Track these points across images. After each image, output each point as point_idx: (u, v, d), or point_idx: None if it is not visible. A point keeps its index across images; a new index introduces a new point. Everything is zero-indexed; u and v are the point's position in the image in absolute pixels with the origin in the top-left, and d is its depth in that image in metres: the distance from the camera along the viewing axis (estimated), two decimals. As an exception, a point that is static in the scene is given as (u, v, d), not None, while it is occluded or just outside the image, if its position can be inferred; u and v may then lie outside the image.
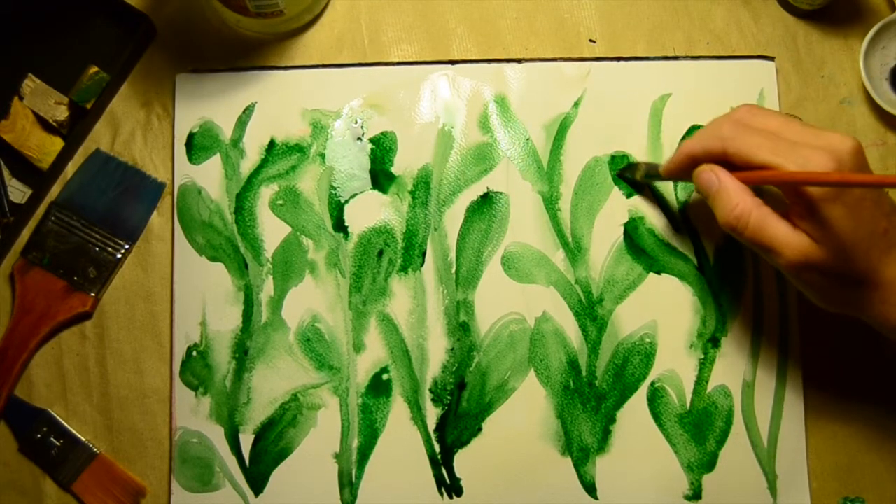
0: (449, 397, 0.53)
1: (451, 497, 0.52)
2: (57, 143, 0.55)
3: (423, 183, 0.54)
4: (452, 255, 0.54)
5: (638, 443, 0.52)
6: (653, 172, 0.51)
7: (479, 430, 0.52)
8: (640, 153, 0.54)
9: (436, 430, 0.52)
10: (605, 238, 0.53)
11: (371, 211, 0.54)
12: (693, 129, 0.54)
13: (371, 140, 0.55)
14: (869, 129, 0.55)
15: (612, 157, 0.54)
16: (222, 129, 0.55)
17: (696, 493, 0.52)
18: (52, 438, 0.53)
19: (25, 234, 0.55)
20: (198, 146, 0.55)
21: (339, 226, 0.54)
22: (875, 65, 0.55)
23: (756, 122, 0.44)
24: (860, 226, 0.41)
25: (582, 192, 0.54)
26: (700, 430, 0.52)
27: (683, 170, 0.46)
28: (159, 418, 0.53)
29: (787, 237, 0.42)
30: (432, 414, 0.52)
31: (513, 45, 0.56)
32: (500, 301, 0.53)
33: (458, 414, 0.52)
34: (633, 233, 0.54)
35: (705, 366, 0.53)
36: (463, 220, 0.54)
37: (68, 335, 0.54)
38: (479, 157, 0.54)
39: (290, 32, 0.56)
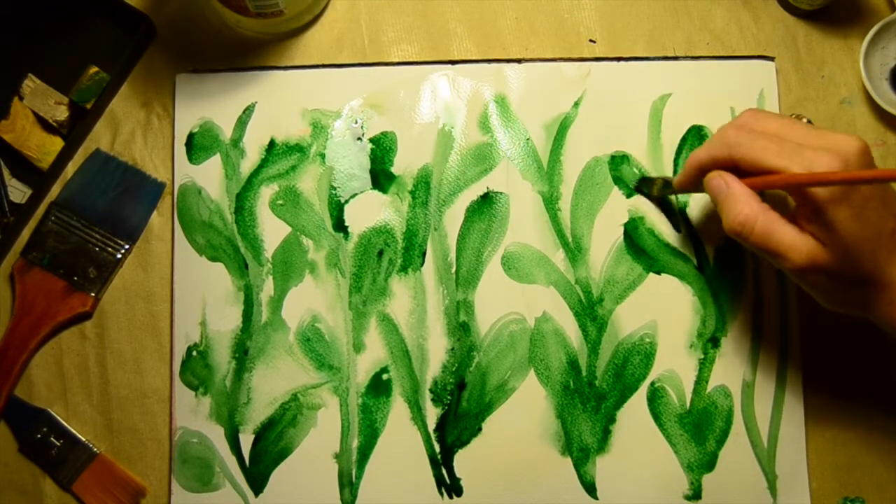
0: (449, 397, 0.53)
1: (451, 497, 0.52)
2: (57, 143, 0.55)
3: (423, 183, 0.54)
4: (452, 255, 0.54)
5: (638, 443, 0.52)
6: (668, 186, 0.51)
7: (479, 430, 0.52)
8: (640, 153, 0.54)
9: (436, 430, 0.52)
10: (605, 238, 0.53)
11: (371, 211, 0.54)
12: (693, 129, 0.54)
13: (371, 140, 0.55)
14: (869, 129, 0.55)
15: (612, 157, 0.54)
16: (222, 129, 0.55)
17: (696, 493, 0.52)
18: (52, 438, 0.53)
19: (25, 234, 0.55)
20: (198, 146, 0.55)
21: (340, 226, 0.54)
22: (875, 65, 0.55)
23: (760, 125, 0.44)
24: (867, 227, 0.41)
25: (582, 192, 0.54)
26: (700, 430, 0.52)
27: (694, 180, 0.46)
28: (159, 418, 0.53)
29: (793, 241, 0.42)
30: (432, 414, 0.52)
31: (513, 45, 0.56)
32: (500, 301, 0.53)
33: (458, 414, 0.52)
34: (633, 233, 0.54)
35: (705, 366, 0.53)
36: (463, 220, 0.54)
37: (68, 335, 0.54)
38: (479, 157, 0.54)
39: (290, 32, 0.56)
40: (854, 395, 0.52)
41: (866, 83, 0.53)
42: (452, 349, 0.53)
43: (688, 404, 0.52)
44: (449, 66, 0.56)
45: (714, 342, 0.53)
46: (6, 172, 0.55)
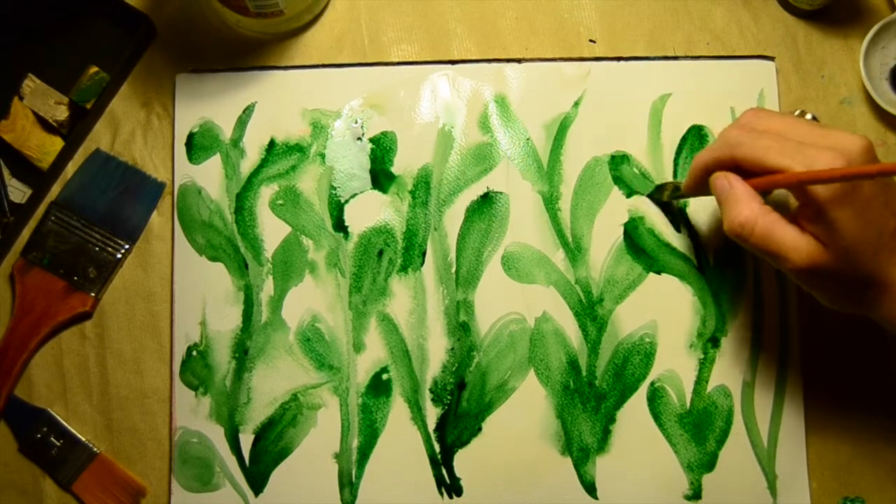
0: (449, 397, 0.53)
1: (451, 497, 0.52)
2: (57, 143, 0.55)
3: (423, 183, 0.54)
4: (452, 254, 0.54)
5: (638, 443, 0.52)
6: (678, 190, 0.51)
7: (479, 429, 0.52)
8: (640, 153, 0.54)
9: (436, 430, 0.52)
10: (605, 238, 0.53)
11: (371, 211, 0.54)
12: (693, 129, 0.54)
13: (371, 140, 0.55)
14: (869, 129, 0.55)
15: (612, 157, 0.54)
16: (222, 129, 0.55)
17: (696, 493, 0.52)
18: (52, 438, 0.53)
19: (25, 234, 0.55)
20: (198, 146, 0.55)
21: (339, 226, 0.54)
22: (875, 65, 0.55)
23: (762, 124, 0.44)
24: (868, 227, 0.41)
25: (582, 191, 0.54)
26: (700, 430, 0.52)
27: (701, 182, 0.46)
28: (159, 418, 0.53)
29: (793, 242, 0.42)
30: (432, 414, 0.52)
31: (513, 45, 0.56)
32: (500, 301, 0.53)
33: (458, 414, 0.52)
34: (633, 233, 0.54)
35: (705, 366, 0.53)
36: (463, 219, 0.54)
37: (68, 335, 0.54)
38: (479, 156, 0.54)
39: (290, 32, 0.56)
40: (854, 395, 0.52)
41: (866, 83, 0.53)
42: (452, 349, 0.53)
43: (688, 404, 0.52)
44: (449, 66, 0.56)
45: (714, 342, 0.53)
46: (6, 172, 0.55)
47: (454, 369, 0.53)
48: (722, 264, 0.53)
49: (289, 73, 0.56)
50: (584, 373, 0.52)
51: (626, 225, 0.54)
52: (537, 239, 0.54)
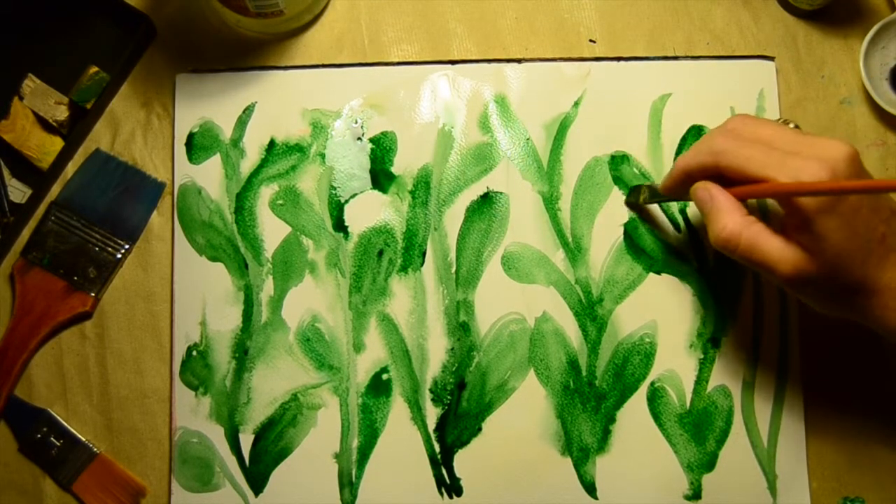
0: (449, 397, 0.53)
1: (451, 497, 0.52)
2: (57, 143, 0.55)
3: (423, 183, 0.54)
4: (452, 254, 0.54)
5: (638, 443, 0.52)
6: (655, 193, 0.51)
7: (479, 429, 0.52)
8: (640, 153, 0.54)
9: (436, 430, 0.52)
10: (605, 238, 0.53)
11: (371, 211, 0.54)
12: (693, 129, 0.54)
13: (371, 140, 0.55)
14: (869, 129, 0.55)
15: (612, 157, 0.54)
16: (222, 129, 0.55)
17: (696, 493, 0.52)
18: (52, 438, 0.53)
19: (25, 234, 0.55)
20: (198, 146, 0.55)
21: (339, 226, 0.54)
22: (875, 65, 0.55)
23: (748, 132, 0.43)
24: (856, 235, 0.41)
25: (582, 192, 0.54)
26: (700, 429, 0.52)
27: (681, 185, 0.46)
28: (159, 418, 0.53)
29: (780, 253, 0.41)
30: (432, 414, 0.52)
31: (513, 45, 0.56)
32: (500, 301, 0.53)
33: (458, 414, 0.52)
34: (633, 233, 0.54)
35: (705, 366, 0.53)
36: (463, 219, 0.54)
37: (68, 335, 0.54)
38: (479, 156, 0.54)
39: (290, 32, 0.56)
40: (854, 395, 0.52)
41: (866, 83, 0.53)
42: (452, 349, 0.53)
43: (688, 404, 0.52)
44: (449, 66, 0.56)
45: (714, 342, 0.53)
46: (6, 172, 0.55)
47: (454, 369, 0.53)
48: (722, 264, 0.53)
49: (289, 73, 0.56)
50: (584, 373, 0.52)
51: (626, 225, 0.54)
52: (537, 239, 0.54)
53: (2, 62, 0.56)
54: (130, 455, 0.53)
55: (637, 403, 0.52)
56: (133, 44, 0.55)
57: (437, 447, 0.52)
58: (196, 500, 0.52)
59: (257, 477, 0.52)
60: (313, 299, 0.53)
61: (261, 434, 0.53)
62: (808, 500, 0.52)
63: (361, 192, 0.54)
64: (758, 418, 0.52)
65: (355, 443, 0.52)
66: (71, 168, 0.55)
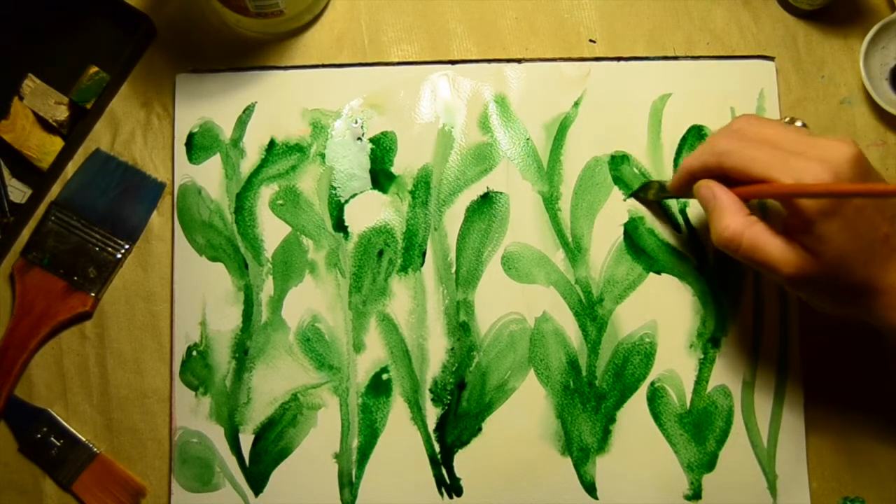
0: (449, 397, 0.53)
1: (451, 497, 0.52)
2: (57, 143, 0.55)
3: (423, 183, 0.54)
4: (452, 255, 0.54)
5: (638, 443, 0.52)
6: (664, 190, 0.51)
7: (479, 430, 0.52)
8: (640, 153, 0.54)
9: (436, 430, 0.52)
10: (605, 238, 0.53)
11: (371, 211, 0.54)
12: (693, 129, 0.54)
13: (371, 140, 0.55)
14: (869, 129, 0.55)
15: (612, 157, 0.54)
16: (222, 129, 0.55)
17: (696, 493, 0.52)
18: (52, 438, 0.53)
19: (25, 234, 0.55)
20: (198, 146, 0.55)
21: (339, 226, 0.54)
22: (875, 65, 0.55)
23: (753, 132, 0.43)
24: (859, 236, 0.41)
25: (582, 191, 0.54)
26: (700, 429, 0.52)
27: (687, 186, 0.46)
28: (159, 418, 0.53)
29: (781, 254, 0.41)
30: (432, 414, 0.52)
31: (513, 45, 0.56)
32: (500, 301, 0.53)
33: (458, 414, 0.52)
34: (633, 233, 0.54)
35: (705, 366, 0.53)
36: (463, 220, 0.54)
37: (68, 335, 0.54)
38: (479, 157, 0.54)
39: (290, 32, 0.56)
40: (854, 395, 0.52)
41: (866, 83, 0.53)
42: (452, 349, 0.53)
43: (688, 404, 0.52)
44: (449, 66, 0.56)
45: (714, 342, 0.53)
46: (6, 172, 0.55)
47: (454, 369, 0.53)
48: (722, 264, 0.53)
49: (289, 73, 0.56)
50: (584, 373, 0.52)
51: (626, 225, 0.54)
52: (537, 239, 0.54)
53: (2, 62, 0.56)
54: (130, 455, 0.53)
55: (637, 403, 0.52)
56: (133, 44, 0.55)
57: (437, 447, 0.52)
58: (196, 500, 0.52)
59: (257, 477, 0.52)
60: (313, 299, 0.53)
61: (261, 434, 0.53)
62: (808, 500, 0.52)
63: (361, 192, 0.54)
64: (758, 418, 0.52)
65: (355, 443, 0.52)
66: (71, 168, 0.55)
